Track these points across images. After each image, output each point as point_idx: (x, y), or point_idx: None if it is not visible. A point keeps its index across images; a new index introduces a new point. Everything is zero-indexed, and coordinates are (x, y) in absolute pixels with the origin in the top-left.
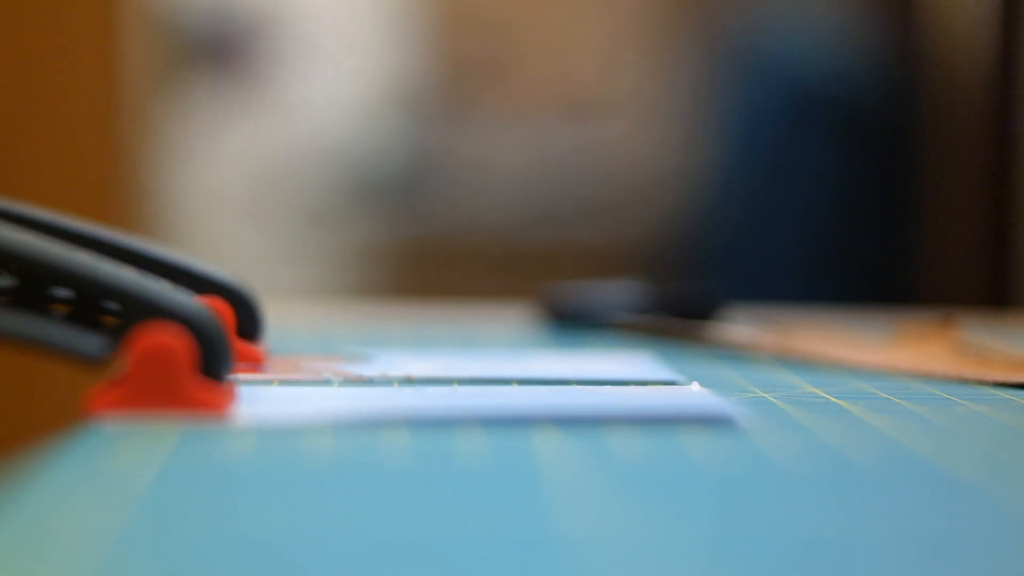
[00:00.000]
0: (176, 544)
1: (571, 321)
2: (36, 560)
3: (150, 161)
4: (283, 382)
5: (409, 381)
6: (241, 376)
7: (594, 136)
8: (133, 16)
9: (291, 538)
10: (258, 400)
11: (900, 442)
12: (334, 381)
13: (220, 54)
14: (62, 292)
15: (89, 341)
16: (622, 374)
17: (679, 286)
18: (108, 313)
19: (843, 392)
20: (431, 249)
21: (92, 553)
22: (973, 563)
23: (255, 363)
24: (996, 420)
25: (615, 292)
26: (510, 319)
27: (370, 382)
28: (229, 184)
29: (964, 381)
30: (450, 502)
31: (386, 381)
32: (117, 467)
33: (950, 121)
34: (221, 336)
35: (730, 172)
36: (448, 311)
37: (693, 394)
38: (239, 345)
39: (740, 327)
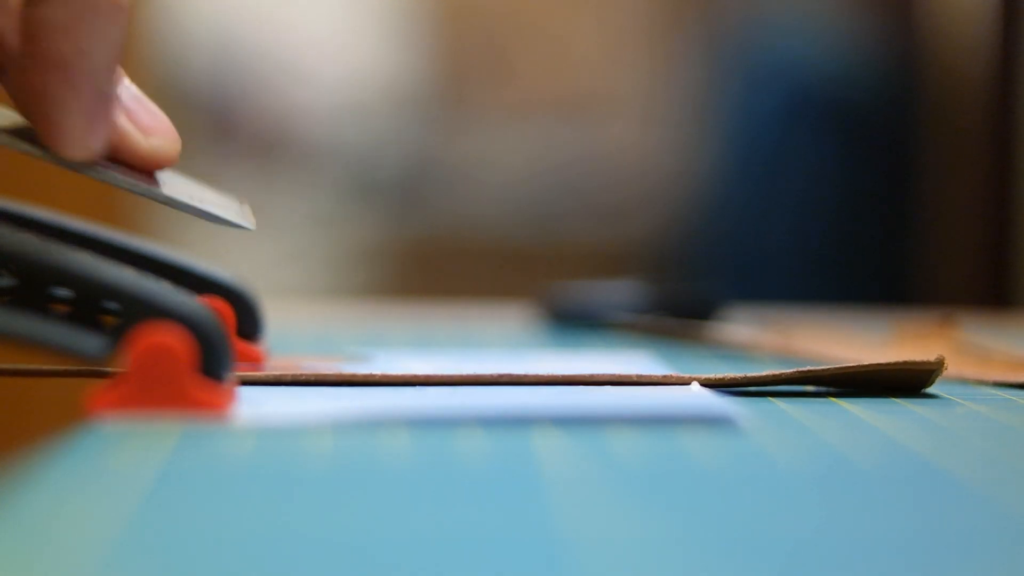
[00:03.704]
0: (176, 544)
1: (571, 321)
2: (36, 560)
3: None
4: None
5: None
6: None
7: (594, 136)
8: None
9: (291, 538)
10: (258, 400)
11: (900, 442)
12: None
13: (223, 123)
14: (62, 292)
15: (89, 341)
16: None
17: (679, 286)
18: (108, 313)
19: (843, 392)
20: (431, 249)
21: (92, 553)
22: (973, 563)
23: (255, 363)
24: (996, 420)
25: (615, 292)
26: (510, 319)
27: None
28: (231, 179)
29: (964, 381)
30: (450, 502)
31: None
32: (117, 467)
33: (950, 121)
34: (221, 336)
35: (730, 172)
36: (448, 311)
37: (693, 394)
38: (239, 345)
39: (740, 327)
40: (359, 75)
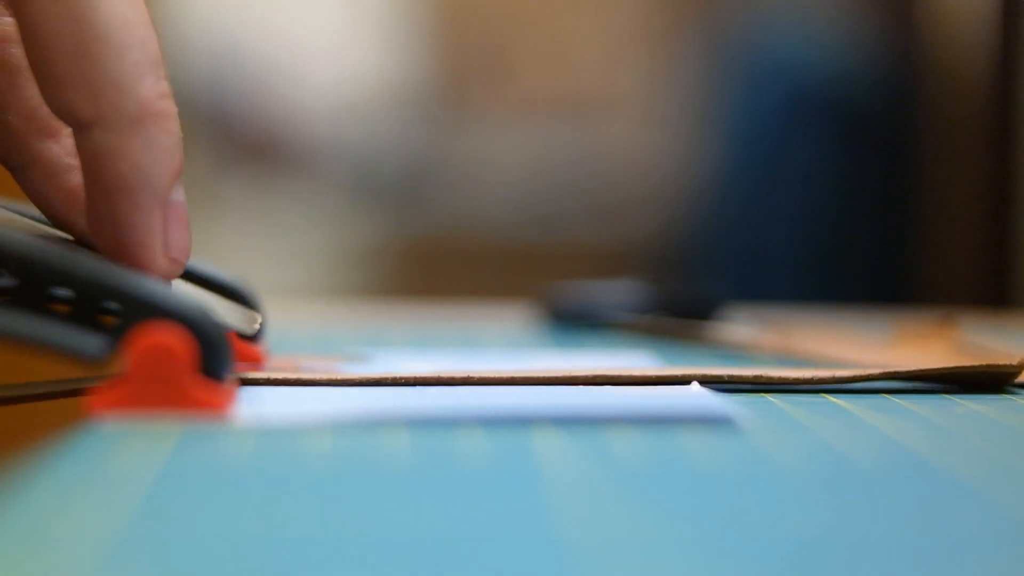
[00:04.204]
0: (176, 544)
1: (571, 321)
2: (36, 560)
3: None
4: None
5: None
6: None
7: (594, 136)
8: None
9: (291, 538)
10: (258, 400)
11: (900, 442)
12: None
13: (223, 124)
14: (62, 292)
15: (89, 341)
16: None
17: (679, 286)
18: (108, 313)
19: (843, 392)
20: (431, 249)
21: (92, 553)
22: (973, 563)
23: (255, 363)
24: (996, 420)
25: (615, 292)
26: (510, 319)
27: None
28: (230, 182)
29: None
30: (450, 502)
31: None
32: (117, 467)
33: (950, 121)
34: (221, 336)
35: (730, 172)
36: (448, 311)
37: (693, 394)
38: (239, 345)
39: (740, 327)
40: (359, 75)
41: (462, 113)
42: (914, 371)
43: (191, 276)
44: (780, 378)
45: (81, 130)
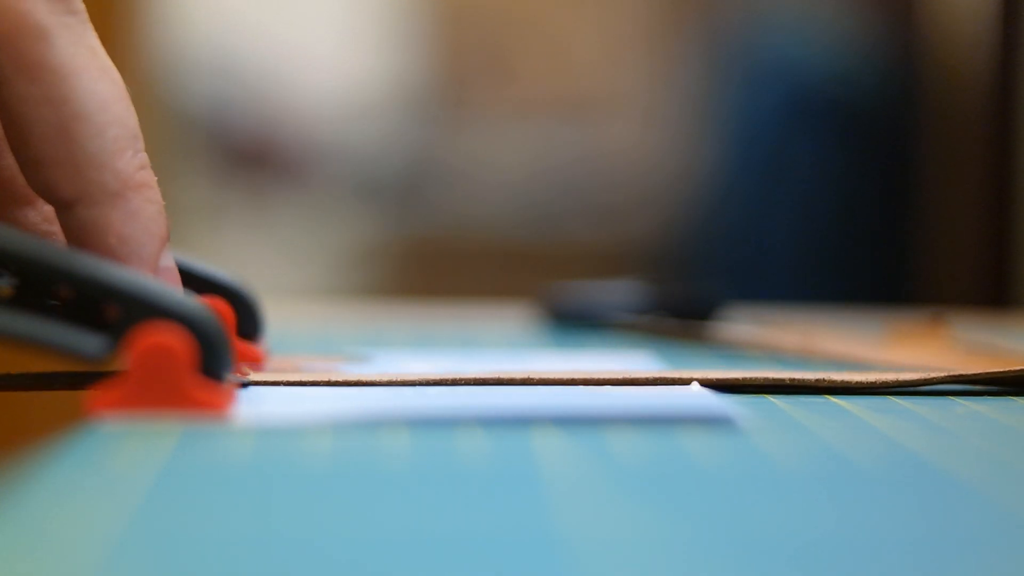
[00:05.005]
0: (176, 544)
1: (571, 321)
2: (36, 560)
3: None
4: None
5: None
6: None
7: (594, 136)
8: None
9: (291, 539)
10: (258, 400)
11: (900, 442)
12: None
13: (223, 124)
14: (62, 292)
15: (89, 341)
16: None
17: (679, 286)
18: (108, 313)
19: (843, 392)
20: (431, 249)
21: (92, 553)
22: (973, 563)
23: (255, 363)
24: (996, 420)
25: (615, 292)
26: (510, 319)
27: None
28: (232, 183)
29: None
30: (450, 502)
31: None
32: (117, 467)
33: (950, 121)
34: (221, 336)
35: (730, 172)
36: (448, 311)
37: (693, 394)
38: (239, 345)
39: (740, 326)
40: (359, 76)
41: (462, 113)
42: (981, 374)
43: (191, 277)
44: (843, 382)
45: (64, 208)
